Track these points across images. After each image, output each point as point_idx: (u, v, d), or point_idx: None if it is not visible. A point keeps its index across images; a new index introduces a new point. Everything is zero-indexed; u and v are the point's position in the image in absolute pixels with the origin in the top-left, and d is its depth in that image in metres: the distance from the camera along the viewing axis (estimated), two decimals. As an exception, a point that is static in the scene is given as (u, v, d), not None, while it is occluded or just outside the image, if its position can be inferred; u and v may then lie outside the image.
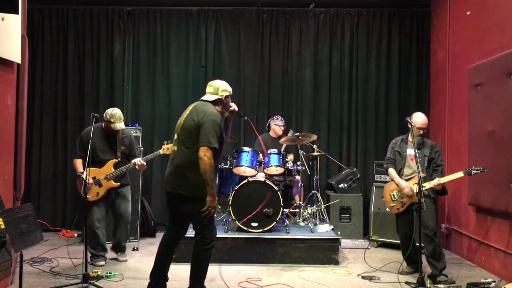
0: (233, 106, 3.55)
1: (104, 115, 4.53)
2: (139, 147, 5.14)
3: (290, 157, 5.51)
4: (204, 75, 6.37)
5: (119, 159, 4.58)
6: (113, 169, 4.50)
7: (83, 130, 4.67)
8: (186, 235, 3.69)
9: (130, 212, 4.76)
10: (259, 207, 4.71)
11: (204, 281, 3.44)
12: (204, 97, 3.46)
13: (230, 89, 3.49)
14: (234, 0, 6.37)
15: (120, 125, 4.48)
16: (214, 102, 3.41)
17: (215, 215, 3.42)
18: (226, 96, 3.44)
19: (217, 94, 3.42)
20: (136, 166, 4.54)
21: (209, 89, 3.47)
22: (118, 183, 4.54)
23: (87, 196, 4.30)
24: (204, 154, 3.16)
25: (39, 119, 6.37)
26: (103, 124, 4.57)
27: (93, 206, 4.47)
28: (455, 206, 5.38)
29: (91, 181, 4.39)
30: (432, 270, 4.12)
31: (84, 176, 3.99)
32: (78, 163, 4.48)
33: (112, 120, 4.44)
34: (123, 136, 4.67)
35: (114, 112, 4.49)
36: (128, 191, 4.75)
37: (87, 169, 3.99)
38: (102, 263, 4.49)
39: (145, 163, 4.57)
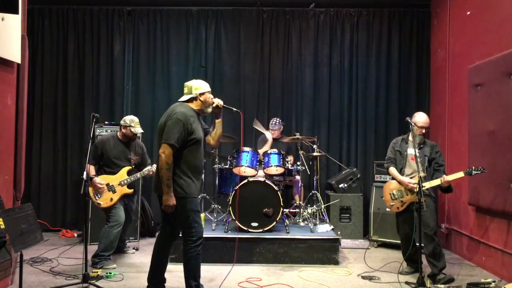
0: (217, 101, 3.54)
1: (122, 122, 4.70)
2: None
3: (290, 158, 5.50)
4: (204, 75, 6.36)
5: (133, 166, 4.69)
6: (126, 176, 4.58)
7: (98, 140, 4.76)
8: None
9: (134, 211, 5.02)
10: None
11: (199, 279, 3.43)
12: (180, 98, 3.52)
13: (205, 86, 3.52)
14: (234, 0, 6.38)
15: (139, 130, 4.68)
16: (189, 101, 3.47)
17: (200, 214, 3.43)
18: (202, 94, 3.47)
19: (191, 93, 3.46)
20: (150, 173, 4.68)
21: (184, 90, 3.53)
22: (132, 190, 4.64)
23: (100, 203, 4.42)
24: (162, 151, 3.23)
25: (39, 119, 6.37)
26: (118, 133, 4.74)
27: (117, 209, 4.50)
28: (455, 206, 5.38)
29: (103, 185, 4.46)
30: (432, 269, 4.12)
31: (84, 176, 3.98)
32: (91, 168, 4.52)
33: (133, 125, 4.63)
34: (137, 145, 4.84)
35: (133, 118, 4.70)
36: (135, 198, 5.02)
37: (87, 165, 4.05)
38: (114, 265, 4.49)
39: None
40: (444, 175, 4.08)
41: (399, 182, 4.27)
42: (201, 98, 3.47)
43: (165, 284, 3.59)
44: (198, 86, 3.48)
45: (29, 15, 5.75)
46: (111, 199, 4.47)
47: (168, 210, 3.28)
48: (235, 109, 3.79)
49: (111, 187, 4.49)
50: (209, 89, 3.54)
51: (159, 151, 3.25)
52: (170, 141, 3.22)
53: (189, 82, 3.54)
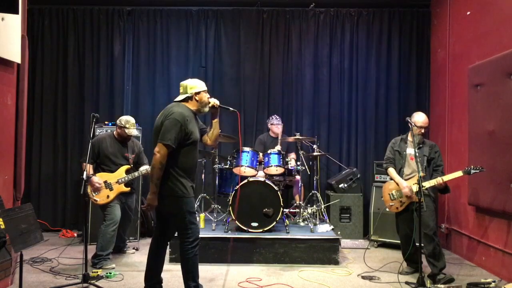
0: (213, 101, 3.50)
1: (118, 122, 4.70)
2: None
3: (292, 156, 5.48)
4: (204, 75, 6.37)
5: (131, 165, 4.72)
6: (124, 174, 4.61)
7: (94, 139, 4.72)
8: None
9: (133, 210, 4.99)
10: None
11: (198, 279, 3.42)
12: (176, 98, 3.49)
13: (200, 85, 3.46)
14: (234, 0, 6.38)
15: (134, 132, 4.67)
16: (184, 101, 3.43)
17: (196, 215, 3.41)
18: (197, 93, 3.43)
19: (186, 93, 3.43)
20: (147, 172, 4.69)
21: (180, 89, 3.49)
22: (129, 188, 4.66)
23: (97, 199, 4.46)
24: (158, 150, 3.20)
25: (39, 119, 6.37)
26: (115, 132, 4.74)
27: (113, 208, 4.52)
28: (455, 206, 5.38)
29: (101, 184, 4.48)
30: (432, 269, 4.12)
31: (84, 176, 3.98)
32: (89, 167, 4.49)
33: (127, 126, 4.62)
34: (133, 144, 4.86)
35: (129, 119, 4.68)
36: (134, 198, 4.98)
37: (88, 165, 4.06)
38: (113, 265, 4.49)
39: None
40: (442, 177, 4.08)
41: (397, 184, 4.28)
42: (197, 98, 3.43)
43: (165, 284, 3.59)
44: (193, 85, 3.43)
45: (29, 15, 5.74)
46: (108, 196, 4.50)
47: (149, 210, 3.28)
48: (231, 109, 3.74)
49: (108, 184, 4.53)
50: (205, 88, 3.48)
51: (154, 150, 3.21)
52: (166, 142, 3.19)
53: (185, 81, 3.50)
